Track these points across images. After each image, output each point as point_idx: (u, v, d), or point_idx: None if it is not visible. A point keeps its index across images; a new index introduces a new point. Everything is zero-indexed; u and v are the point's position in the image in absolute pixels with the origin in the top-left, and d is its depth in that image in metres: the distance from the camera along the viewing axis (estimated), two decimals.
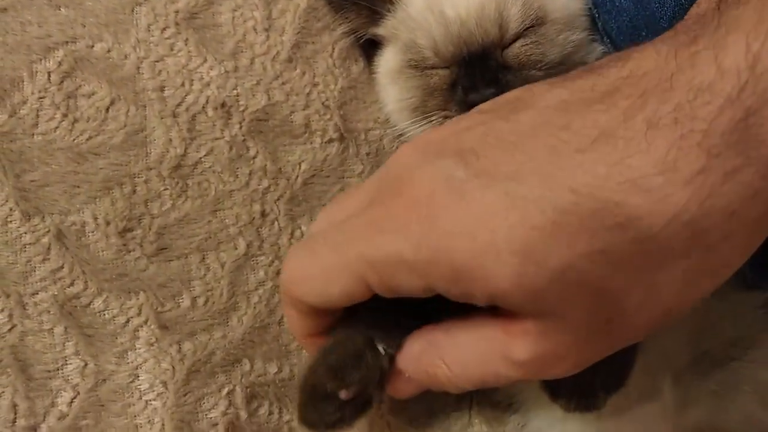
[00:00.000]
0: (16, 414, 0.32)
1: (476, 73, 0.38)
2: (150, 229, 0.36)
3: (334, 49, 0.43)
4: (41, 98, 0.36)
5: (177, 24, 0.39)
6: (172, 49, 0.39)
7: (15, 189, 0.34)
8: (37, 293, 0.34)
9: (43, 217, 0.35)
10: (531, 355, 0.26)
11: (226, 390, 0.36)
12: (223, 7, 0.40)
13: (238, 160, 0.39)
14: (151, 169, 0.37)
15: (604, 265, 0.24)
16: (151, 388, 0.34)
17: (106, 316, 0.35)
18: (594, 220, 0.24)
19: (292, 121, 0.41)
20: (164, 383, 0.34)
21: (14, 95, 0.35)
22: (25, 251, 0.34)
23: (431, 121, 0.40)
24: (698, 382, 0.39)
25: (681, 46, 0.25)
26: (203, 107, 0.39)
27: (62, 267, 0.34)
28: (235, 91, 0.39)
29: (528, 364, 0.26)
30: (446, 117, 0.39)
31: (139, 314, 0.35)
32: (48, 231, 0.34)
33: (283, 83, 0.41)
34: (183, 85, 0.39)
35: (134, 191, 0.37)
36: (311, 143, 0.41)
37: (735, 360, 0.39)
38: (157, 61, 0.38)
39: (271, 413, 0.37)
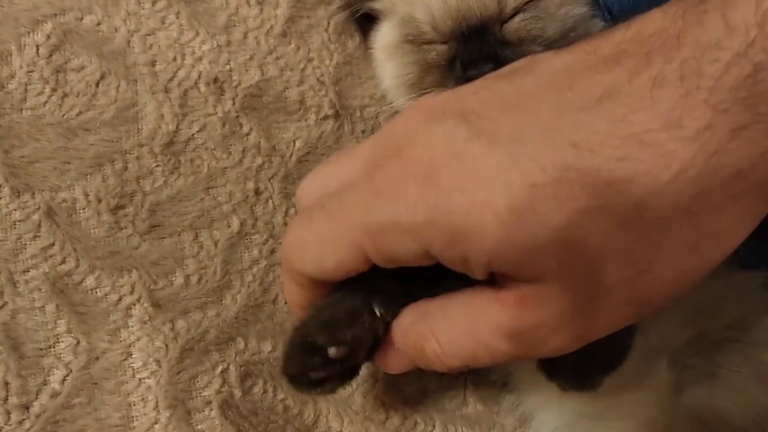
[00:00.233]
0: (8, 392, 0.32)
1: (475, 48, 0.37)
2: (142, 206, 0.36)
3: (329, 23, 0.42)
4: (30, 72, 0.35)
5: None
6: (163, 23, 0.38)
7: (4, 165, 0.34)
8: (28, 271, 0.33)
9: (33, 193, 0.34)
10: (524, 325, 0.25)
11: (220, 368, 0.36)
12: None
13: (232, 136, 0.39)
14: (142, 145, 0.36)
15: (606, 223, 0.24)
16: (144, 366, 0.34)
17: (99, 293, 0.34)
18: (596, 175, 0.24)
19: (286, 98, 0.40)
20: (158, 361, 0.34)
21: (2, 69, 0.35)
22: (15, 228, 0.34)
23: None
24: (696, 364, 0.39)
25: (689, 6, 0.25)
26: (195, 82, 0.38)
27: (53, 244, 0.34)
28: (227, 66, 0.39)
29: (520, 336, 0.26)
30: None
31: (131, 292, 0.35)
32: (38, 208, 0.34)
33: (277, 58, 0.40)
34: (175, 59, 0.38)
35: (126, 168, 0.36)
36: (306, 120, 0.41)
37: (733, 341, 0.39)
38: (148, 35, 0.38)
39: (265, 391, 0.37)
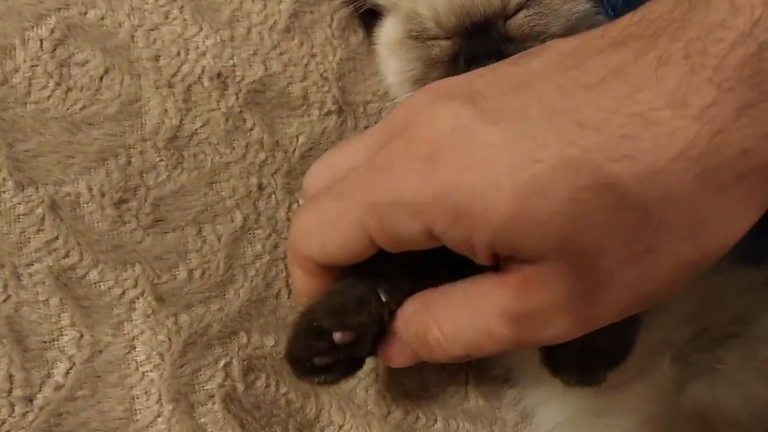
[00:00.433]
0: (12, 384, 0.32)
1: (478, 44, 0.37)
2: (145, 200, 0.36)
3: (332, 19, 0.42)
4: (33, 66, 0.35)
5: None
6: (167, 17, 0.38)
7: (8, 159, 0.34)
8: (32, 264, 0.33)
9: (37, 187, 0.34)
10: (526, 308, 0.25)
11: (222, 362, 0.36)
12: None
13: (235, 131, 0.39)
14: (146, 140, 0.37)
15: (610, 201, 0.24)
16: (147, 359, 0.34)
17: (102, 287, 0.34)
18: (600, 152, 0.24)
19: (289, 93, 0.40)
20: (161, 355, 0.34)
21: (6, 63, 0.35)
22: (19, 222, 0.34)
23: None
24: (698, 360, 0.39)
25: None
26: (199, 77, 0.38)
27: (57, 238, 0.34)
28: (231, 61, 0.39)
29: (522, 319, 0.25)
30: None
31: (135, 286, 0.35)
32: (42, 201, 0.34)
33: (281, 54, 0.40)
34: (178, 54, 0.38)
35: (129, 162, 0.36)
36: (309, 116, 0.41)
37: (736, 337, 0.39)
38: (152, 30, 0.38)
39: (268, 386, 0.37)
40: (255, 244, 0.38)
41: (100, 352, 0.34)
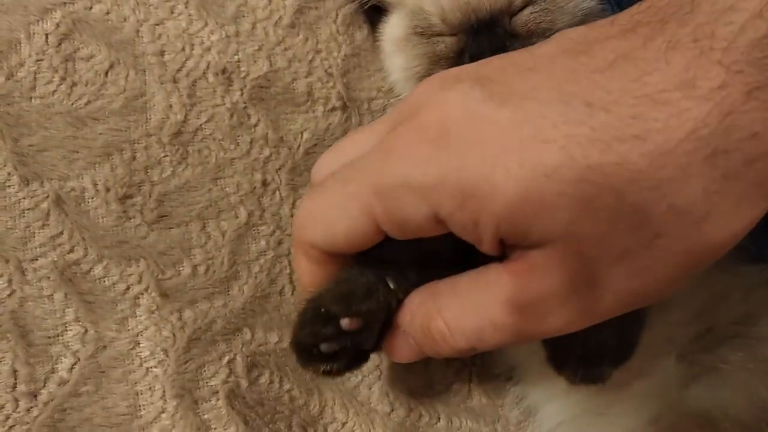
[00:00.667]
0: (16, 379, 0.32)
1: (484, 41, 0.37)
2: (150, 196, 0.36)
3: (337, 15, 0.42)
4: (39, 61, 0.35)
5: None
6: (172, 12, 0.38)
7: (13, 153, 0.34)
8: (37, 259, 0.33)
9: (42, 182, 0.34)
10: (532, 295, 0.25)
11: (226, 358, 0.36)
12: None
13: (239, 127, 0.39)
14: (151, 135, 0.37)
15: (619, 181, 0.23)
16: (151, 355, 0.34)
17: (107, 283, 0.34)
18: (609, 132, 0.23)
19: (294, 89, 0.40)
20: (165, 351, 0.34)
21: (11, 57, 0.35)
22: (23, 216, 0.34)
23: None
24: (702, 359, 0.38)
25: None
26: (204, 73, 0.38)
27: (62, 233, 0.34)
28: (236, 57, 0.39)
29: (527, 308, 0.25)
30: None
31: (139, 282, 0.35)
32: (47, 196, 0.34)
33: (286, 49, 0.40)
34: (183, 49, 0.38)
35: (134, 157, 0.36)
36: (313, 112, 0.41)
37: (740, 337, 0.39)
38: (157, 25, 0.38)
39: (271, 382, 0.37)
40: (259, 241, 0.38)
41: (105, 347, 0.34)
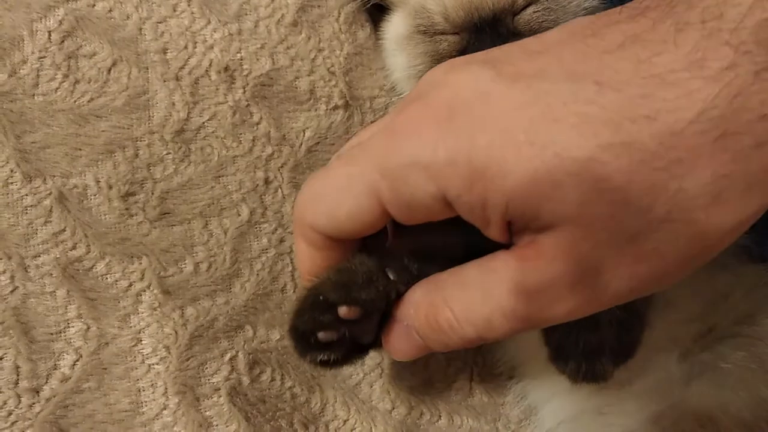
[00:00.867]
0: (18, 376, 0.32)
1: (487, 39, 0.37)
2: (152, 193, 0.36)
3: (340, 13, 0.42)
4: (42, 58, 0.35)
5: None
6: (174, 10, 0.38)
7: (16, 150, 0.34)
8: (39, 256, 0.33)
9: (45, 179, 0.34)
10: (541, 280, 0.24)
11: (228, 355, 0.36)
12: None
13: (242, 125, 0.39)
14: (153, 132, 0.37)
15: (628, 161, 0.23)
16: (153, 352, 0.34)
17: (109, 280, 0.34)
18: (619, 110, 0.23)
19: (296, 87, 0.40)
20: (167, 348, 0.34)
21: (14, 54, 0.35)
22: (26, 213, 0.34)
23: None
24: (704, 358, 0.39)
25: None
26: (206, 71, 0.38)
27: (64, 230, 0.34)
28: (239, 55, 0.39)
29: (536, 294, 0.25)
30: None
31: (141, 279, 0.35)
32: (50, 193, 0.34)
33: (288, 48, 0.40)
34: (186, 47, 0.38)
35: (136, 155, 0.36)
36: (316, 110, 0.41)
37: (742, 336, 0.39)
38: (160, 22, 0.38)
39: (273, 379, 0.37)
40: (261, 238, 0.38)
41: (107, 344, 0.34)
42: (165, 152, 0.37)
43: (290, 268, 0.39)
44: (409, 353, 0.30)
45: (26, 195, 0.34)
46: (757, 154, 0.23)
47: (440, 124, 0.25)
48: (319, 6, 0.41)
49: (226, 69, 0.38)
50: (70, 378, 0.33)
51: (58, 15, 0.36)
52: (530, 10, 0.38)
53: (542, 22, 0.37)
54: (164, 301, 0.35)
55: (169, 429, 0.34)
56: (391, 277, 0.29)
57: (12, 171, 0.34)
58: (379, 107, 0.43)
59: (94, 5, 0.37)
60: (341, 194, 0.27)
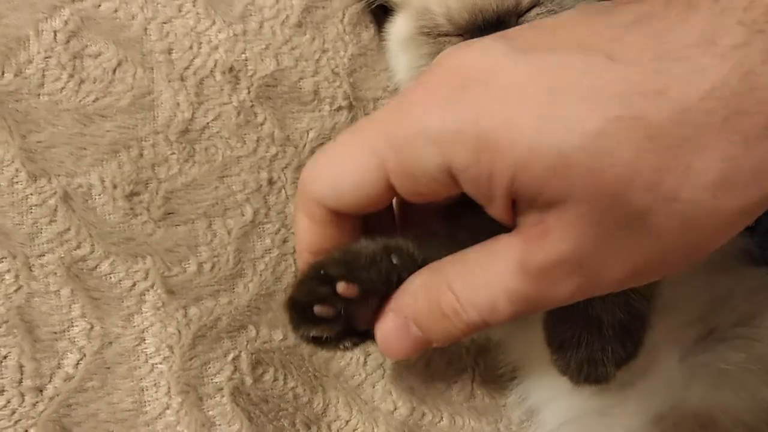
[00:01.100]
0: (22, 374, 0.32)
1: None
2: (157, 193, 0.36)
3: (344, 14, 0.42)
4: (47, 58, 0.35)
5: None
6: (180, 11, 0.38)
7: (21, 150, 0.34)
8: (44, 255, 0.34)
9: (50, 178, 0.34)
10: (546, 259, 0.24)
11: (231, 355, 0.36)
12: None
13: (246, 126, 0.39)
14: (158, 132, 0.37)
15: (637, 137, 0.23)
16: (157, 351, 0.34)
17: (113, 279, 0.35)
18: (629, 85, 0.23)
19: (300, 88, 0.40)
20: (170, 347, 0.34)
21: (20, 54, 0.35)
22: (31, 212, 0.34)
23: None
24: (705, 360, 0.39)
25: None
26: (211, 71, 0.38)
27: (69, 229, 0.34)
28: (243, 56, 0.39)
29: (541, 273, 0.24)
30: None
31: (145, 278, 0.35)
32: (54, 193, 0.34)
33: (293, 48, 0.40)
34: (191, 47, 0.38)
35: (141, 155, 0.36)
36: (320, 111, 0.41)
37: (742, 338, 0.39)
38: (165, 23, 0.38)
39: (276, 379, 0.37)
40: (264, 239, 0.38)
41: (110, 343, 0.34)
42: (169, 152, 0.37)
43: (293, 269, 0.39)
44: (405, 350, 0.29)
45: (31, 194, 0.34)
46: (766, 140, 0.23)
47: (450, 94, 0.25)
48: (323, 7, 0.42)
49: (231, 69, 0.38)
50: (74, 377, 0.33)
51: (63, 15, 0.36)
52: (534, 11, 0.38)
53: None
54: (168, 301, 0.35)
55: (172, 428, 0.34)
56: (395, 261, 0.28)
57: (17, 170, 0.34)
58: None
59: (99, 5, 0.37)
60: (347, 164, 0.27)
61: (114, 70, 0.36)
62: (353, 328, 0.30)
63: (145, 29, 0.37)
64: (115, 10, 0.37)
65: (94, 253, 0.34)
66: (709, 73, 0.23)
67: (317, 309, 0.28)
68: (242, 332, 0.37)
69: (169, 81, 0.37)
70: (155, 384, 0.34)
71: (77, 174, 0.35)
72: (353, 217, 0.29)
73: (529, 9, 0.38)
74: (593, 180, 0.23)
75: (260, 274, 0.38)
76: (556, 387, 0.40)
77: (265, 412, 0.36)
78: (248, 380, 0.36)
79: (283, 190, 0.39)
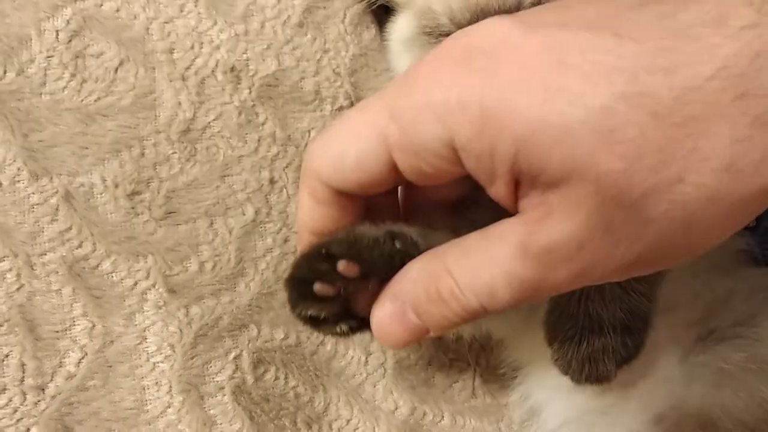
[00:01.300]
0: (24, 373, 0.32)
1: None
2: (158, 192, 0.36)
3: (345, 14, 0.42)
4: (49, 57, 0.35)
5: None
6: (181, 11, 0.38)
7: (23, 149, 0.34)
8: (45, 254, 0.34)
9: (51, 177, 0.34)
10: (549, 241, 0.23)
11: (233, 354, 0.36)
12: None
13: (247, 125, 0.39)
14: (159, 132, 0.37)
15: (643, 114, 0.22)
16: (158, 350, 0.34)
17: (114, 278, 0.35)
18: (636, 61, 0.23)
19: (302, 88, 0.40)
20: (172, 346, 0.34)
21: (22, 53, 0.35)
22: (33, 211, 0.34)
23: None
24: (705, 360, 0.39)
25: None
26: (213, 71, 0.38)
27: (70, 228, 0.34)
28: (245, 55, 0.39)
29: (543, 255, 0.24)
30: None
31: (147, 277, 0.35)
32: (56, 192, 0.34)
33: (294, 48, 0.40)
34: (192, 47, 0.38)
35: (143, 154, 0.36)
36: (321, 111, 0.41)
37: (743, 338, 0.39)
38: (167, 23, 0.38)
39: (277, 378, 0.37)
40: (266, 238, 0.38)
41: (112, 342, 0.34)
42: (171, 152, 0.37)
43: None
44: (401, 337, 0.28)
45: (33, 193, 0.34)
46: None
47: (455, 68, 0.25)
48: (324, 7, 0.42)
49: (232, 69, 0.38)
50: (76, 376, 0.33)
51: (65, 14, 0.36)
52: None
53: None
54: (169, 300, 0.35)
55: (174, 427, 0.34)
56: (398, 246, 0.28)
57: (19, 169, 0.34)
58: None
59: (101, 5, 0.37)
60: (350, 138, 0.27)
61: (116, 70, 0.36)
62: (351, 311, 0.29)
63: (147, 29, 0.37)
64: (117, 10, 0.37)
65: (95, 252, 0.34)
66: (719, 53, 0.22)
67: (317, 287, 0.28)
68: (244, 331, 0.37)
69: (171, 80, 0.37)
70: (157, 383, 0.34)
71: (79, 173, 0.35)
72: (356, 200, 0.29)
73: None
74: (596, 156, 0.23)
75: (261, 273, 0.38)
76: (558, 386, 0.40)
77: (267, 411, 0.36)
78: (249, 379, 0.36)
79: (284, 190, 0.39)
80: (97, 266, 0.34)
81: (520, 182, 0.24)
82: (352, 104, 0.41)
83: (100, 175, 0.35)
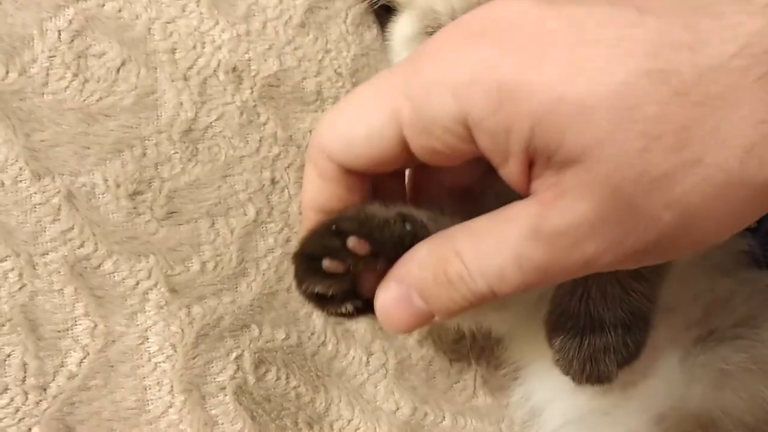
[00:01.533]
0: (26, 373, 0.32)
1: None
2: (160, 192, 0.36)
3: (347, 14, 0.42)
4: (51, 57, 0.35)
5: None
6: (183, 11, 0.38)
7: (25, 148, 0.34)
8: (47, 253, 0.34)
9: (54, 177, 0.34)
10: (562, 222, 0.23)
11: (234, 354, 0.36)
12: None
13: (249, 125, 0.39)
14: (161, 132, 0.37)
15: (664, 91, 0.22)
16: (160, 350, 0.34)
17: (116, 278, 0.35)
18: (658, 37, 0.22)
19: (303, 88, 0.40)
20: (173, 346, 0.34)
21: (24, 53, 0.35)
22: (35, 211, 0.34)
23: None
24: (706, 360, 0.39)
25: None
26: (214, 71, 0.38)
27: (72, 228, 0.34)
28: (246, 56, 0.39)
29: (556, 238, 0.23)
30: None
31: (148, 277, 0.35)
32: (58, 191, 0.34)
33: (296, 49, 0.40)
34: (194, 47, 0.38)
35: (144, 154, 0.36)
36: (322, 111, 0.41)
37: (743, 339, 0.39)
38: (169, 23, 0.38)
39: (278, 378, 0.37)
40: (267, 238, 0.38)
41: (114, 342, 0.34)
42: (173, 151, 0.37)
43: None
44: (406, 322, 0.27)
45: (35, 193, 0.34)
46: None
47: (470, 43, 0.24)
48: (326, 7, 0.42)
49: (234, 69, 0.39)
50: (77, 375, 0.33)
51: (68, 14, 0.36)
52: None
53: None
54: (171, 300, 0.35)
55: (175, 427, 0.34)
56: (408, 228, 0.27)
57: (21, 169, 0.34)
58: None
59: (103, 5, 0.37)
60: (360, 114, 0.26)
61: (118, 70, 0.36)
62: (358, 292, 0.28)
63: (149, 29, 0.37)
64: (119, 10, 0.37)
65: (97, 251, 0.34)
66: (743, 30, 0.22)
67: (326, 263, 0.27)
68: (245, 331, 0.37)
69: (173, 80, 0.37)
70: (158, 382, 0.34)
71: (81, 173, 0.35)
72: (363, 179, 0.28)
73: None
74: (615, 134, 0.22)
75: (263, 274, 0.38)
76: (559, 387, 0.40)
77: (268, 411, 0.36)
78: (251, 379, 0.36)
79: (285, 190, 0.39)
80: (99, 266, 0.34)
81: (534, 162, 0.24)
82: None
83: (102, 175, 0.35)
